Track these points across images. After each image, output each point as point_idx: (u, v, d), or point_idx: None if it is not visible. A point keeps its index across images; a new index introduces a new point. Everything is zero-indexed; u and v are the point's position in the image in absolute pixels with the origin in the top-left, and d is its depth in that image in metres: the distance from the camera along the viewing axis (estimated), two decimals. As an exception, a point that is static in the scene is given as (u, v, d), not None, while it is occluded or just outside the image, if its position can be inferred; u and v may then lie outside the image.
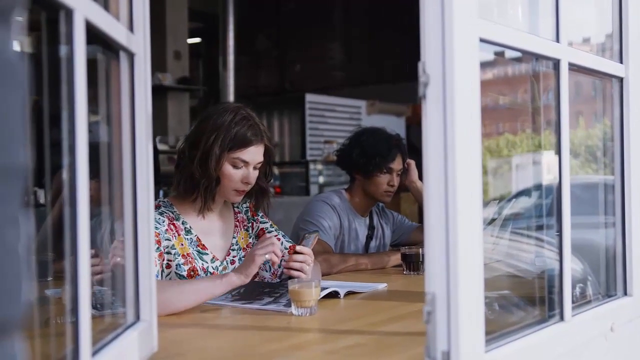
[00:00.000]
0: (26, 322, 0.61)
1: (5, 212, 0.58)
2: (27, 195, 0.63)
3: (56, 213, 1.80)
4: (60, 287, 1.40)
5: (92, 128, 1.11)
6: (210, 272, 2.23)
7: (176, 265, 2.16)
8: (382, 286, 2.36)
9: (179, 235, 2.20)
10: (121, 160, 1.37)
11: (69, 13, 1.00)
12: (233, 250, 2.35)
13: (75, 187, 1.01)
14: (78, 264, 1.01)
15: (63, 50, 1.02)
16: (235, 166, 2.21)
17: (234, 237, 2.36)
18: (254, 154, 2.23)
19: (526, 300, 1.74)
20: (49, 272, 1.48)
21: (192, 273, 2.18)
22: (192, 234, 2.24)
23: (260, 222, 2.45)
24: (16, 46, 0.60)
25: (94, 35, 1.12)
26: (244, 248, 2.37)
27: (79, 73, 1.02)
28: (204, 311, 1.95)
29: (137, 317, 1.37)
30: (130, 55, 1.35)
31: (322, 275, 2.63)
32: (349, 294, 2.19)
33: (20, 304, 0.59)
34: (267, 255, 1.99)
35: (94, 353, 1.10)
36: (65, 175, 1.03)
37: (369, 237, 3.15)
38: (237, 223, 2.40)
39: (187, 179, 2.22)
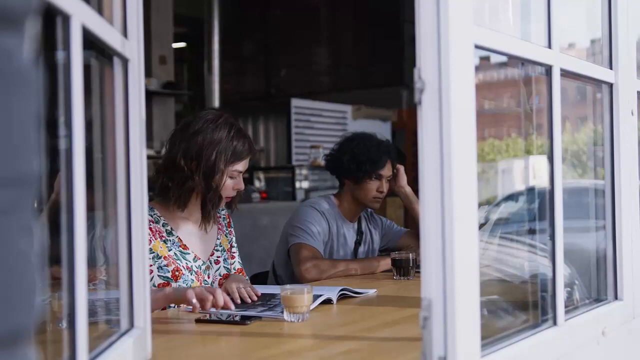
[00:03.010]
0: (37, 331, 0.61)
1: (19, 220, 0.57)
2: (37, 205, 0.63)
3: (46, 218, 1.79)
4: (51, 294, 1.39)
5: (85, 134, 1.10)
6: (195, 271, 2.30)
7: (158, 267, 2.22)
8: (372, 292, 2.36)
9: (156, 239, 2.25)
10: (114, 167, 1.36)
11: (66, 19, 0.99)
12: (217, 250, 2.43)
13: (72, 194, 1.00)
14: (75, 271, 1.00)
15: (59, 55, 1.02)
16: (231, 177, 2.31)
17: (217, 239, 2.44)
18: (247, 163, 2.36)
19: (518, 305, 1.74)
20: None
21: (176, 273, 2.24)
22: (173, 235, 2.30)
23: (233, 235, 2.55)
24: (29, 53, 0.59)
25: (88, 41, 1.12)
26: (227, 250, 2.47)
27: (76, 78, 1.01)
28: (196, 318, 1.94)
29: (132, 324, 1.37)
30: (125, 61, 1.34)
31: (312, 281, 2.64)
32: (342, 297, 2.20)
33: (34, 312, 0.59)
34: (194, 300, 1.91)
35: (90, 361, 1.09)
36: (60, 181, 1.02)
37: (358, 243, 3.15)
38: (220, 226, 2.48)
39: (187, 192, 2.27)
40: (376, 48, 9.25)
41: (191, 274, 2.27)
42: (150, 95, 7.25)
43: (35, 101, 0.59)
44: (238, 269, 2.47)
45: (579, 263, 1.95)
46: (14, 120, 0.57)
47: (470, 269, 1.21)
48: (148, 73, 7.20)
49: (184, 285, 2.23)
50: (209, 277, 2.36)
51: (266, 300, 2.14)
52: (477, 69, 1.51)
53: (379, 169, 3.01)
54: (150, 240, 2.21)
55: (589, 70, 1.77)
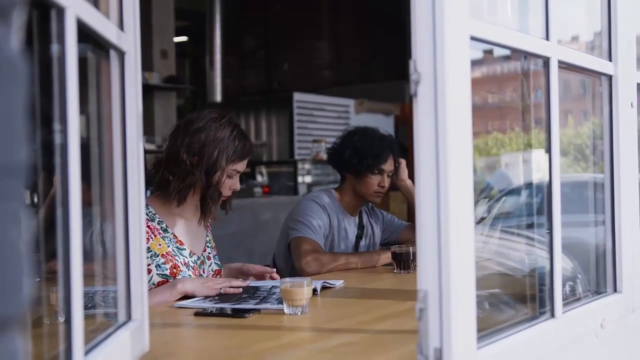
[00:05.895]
0: (26, 319, 0.61)
1: (8, 209, 0.58)
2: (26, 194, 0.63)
3: (44, 213, 1.80)
4: (50, 287, 1.39)
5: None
6: (191, 267, 2.33)
7: (156, 266, 2.24)
8: (339, 283, 2.40)
9: (155, 236, 2.28)
10: (111, 160, 1.36)
11: (61, 11, 0.99)
12: (208, 247, 2.47)
13: (67, 188, 1.00)
14: (70, 264, 1.01)
15: (54, 48, 1.02)
16: (229, 176, 2.34)
17: (207, 236, 2.49)
18: (245, 164, 2.39)
19: (517, 297, 1.74)
20: (39, 273, 1.47)
21: (174, 270, 2.27)
22: (169, 232, 2.32)
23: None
24: (16, 45, 0.60)
25: (84, 34, 1.12)
26: (214, 247, 2.52)
27: (71, 71, 1.01)
28: (195, 312, 1.94)
29: (129, 317, 1.37)
30: (121, 54, 1.34)
31: (313, 275, 2.64)
32: (324, 288, 2.25)
33: (21, 301, 0.59)
34: (221, 290, 2.15)
35: (86, 352, 1.09)
36: (56, 176, 1.02)
37: (359, 237, 3.15)
38: (208, 225, 2.52)
39: (187, 187, 2.30)
40: (378, 41, 9.25)
41: (188, 270, 2.30)
42: (151, 89, 7.26)
43: (23, 92, 0.60)
44: (216, 270, 2.48)
45: (580, 256, 1.95)
46: (2, 110, 0.57)
47: (466, 260, 1.21)
48: (149, 67, 7.21)
49: None
50: (203, 272, 2.39)
51: (252, 293, 2.15)
52: (481, 62, 1.51)
53: (380, 163, 3.01)
54: (148, 239, 2.23)
55: (587, 62, 1.76)
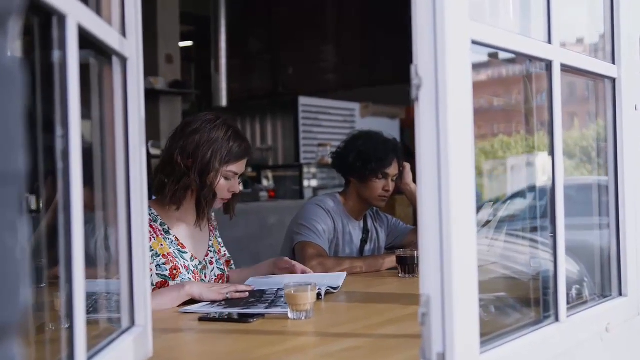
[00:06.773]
0: (23, 326, 0.62)
1: (4, 216, 0.58)
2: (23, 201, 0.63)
3: (49, 219, 1.80)
4: (55, 293, 1.40)
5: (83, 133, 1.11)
6: (192, 270, 2.33)
7: (157, 266, 2.25)
8: (342, 276, 2.43)
9: (157, 236, 2.29)
10: (114, 166, 1.36)
11: (62, 18, 1.00)
12: (211, 251, 2.47)
13: (69, 193, 1.01)
14: (72, 270, 1.01)
15: (55, 55, 1.02)
16: (226, 178, 2.33)
17: (210, 240, 2.48)
18: (244, 165, 2.38)
19: (521, 301, 1.74)
20: (43, 279, 1.48)
21: (174, 272, 2.27)
22: (171, 234, 2.33)
23: (219, 237, 2.58)
24: (13, 52, 0.60)
25: (86, 40, 1.12)
26: (217, 251, 2.50)
27: (72, 78, 1.02)
28: (199, 317, 1.94)
29: (132, 322, 1.37)
30: (123, 60, 1.35)
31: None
32: (328, 293, 2.24)
33: (18, 307, 0.59)
34: (228, 295, 2.14)
35: (89, 358, 1.09)
36: (58, 181, 1.03)
37: (364, 241, 3.15)
38: (211, 229, 2.52)
39: (182, 189, 2.29)
40: (383, 45, 9.23)
41: (188, 273, 2.30)
42: (157, 94, 7.25)
43: (20, 99, 0.60)
44: (218, 275, 2.48)
45: (586, 260, 1.95)
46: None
47: (469, 264, 1.21)
48: (154, 72, 7.20)
49: None
50: (205, 277, 2.39)
51: (259, 297, 2.15)
52: (486, 65, 1.51)
53: (385, 167, 3.01)
54: (150, 238, 2.23)
55: (590, 65, 1.76)
